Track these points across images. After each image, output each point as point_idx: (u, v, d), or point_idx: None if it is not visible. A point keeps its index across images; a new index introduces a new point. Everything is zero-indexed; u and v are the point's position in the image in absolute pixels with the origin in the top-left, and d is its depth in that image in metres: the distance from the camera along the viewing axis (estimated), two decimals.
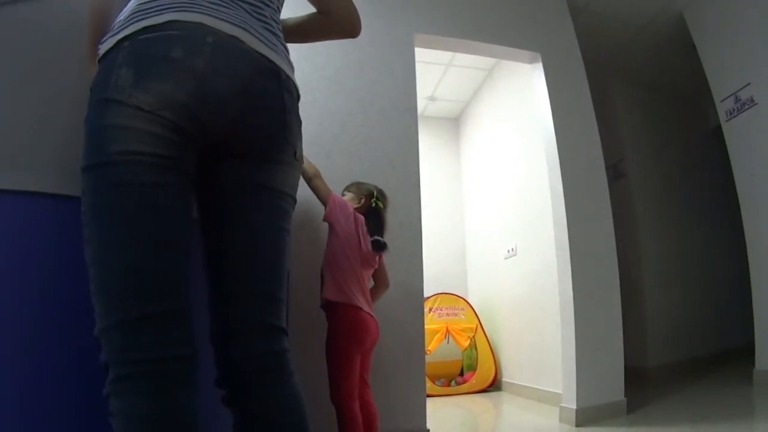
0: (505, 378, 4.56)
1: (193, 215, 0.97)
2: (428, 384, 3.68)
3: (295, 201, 1.11)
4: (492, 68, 4.97)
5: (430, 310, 4.56)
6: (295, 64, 1.15)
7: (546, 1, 3.65)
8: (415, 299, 2.78)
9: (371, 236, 2.16)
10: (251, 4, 1.04)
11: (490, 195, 5.04)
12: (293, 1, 1.53)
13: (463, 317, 4.68)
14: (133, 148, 0.85)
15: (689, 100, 5.35)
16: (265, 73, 0.99)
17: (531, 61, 3.55)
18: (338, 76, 2.93)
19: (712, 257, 5.07)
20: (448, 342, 4.53)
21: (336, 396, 1.97)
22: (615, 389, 3.04)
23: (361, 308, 2.06)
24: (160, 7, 0.91)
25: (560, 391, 3.13)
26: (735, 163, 3.65)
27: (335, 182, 2.37)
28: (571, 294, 3.02)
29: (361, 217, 2.20)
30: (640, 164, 4.88)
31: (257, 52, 0.98)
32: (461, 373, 4.67)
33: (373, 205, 2.28)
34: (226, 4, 0.98)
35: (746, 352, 3.73)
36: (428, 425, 2.66)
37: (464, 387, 4.45)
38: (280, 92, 1.02)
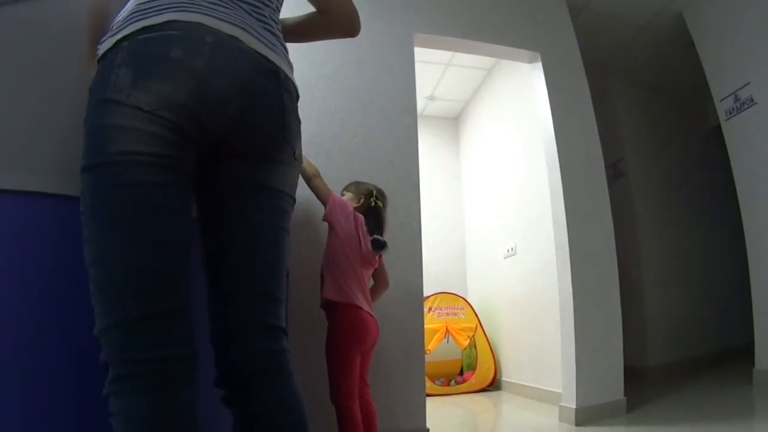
0: (505, 377, 4.56)
1: (192, 215, 0.97)
2: (428, 383, 3.68)
3: (294, 200, 1.11)
4: (491, 68, 4.97)
5: (430, 309, 4.57)
6: (294, 64, 1.15)
7: (545, 0, 3.65)
8: (415, 299, 2.78)
9: (371, 235, 2.16)
10: (250, 4, 1.04)
11: (489, 194, 5.04)
12: (293, 0, 1.53)
13: (463, 317, 4.68)
14: (132, 148, 0.85)
15: (689, 100, 5.35)
16: (265, 72, 0.99)
17: (530, 61, 3.55)
18: (338, 76, 2.93)
19: (711, 256, 5.07)
20: (447, 341, 4.53)
21: (336, 396, 1.97)
22: (614, 388, 3.04)
23: (361, 308, 2.06)
24: (159, 7, 0.91)
25: (560, 391, 3.13)
26: (734, 163, 3.65)
27: (335, 182, 2.37)
28: (571, 293, 3.02)
29: (361, 217, 2.20)
30: (639, 164, 4.88)
31: (256, 52, 0.98)
32: (461, 373, 4.67)
33: (373, 204, 2.28)
34: (225, 4, 0.98)
35: (746, 352, 3.73)
36: (428, 424, 2.66)
37: (464, 386, 4.46)
38: (279, 92, 1.02)
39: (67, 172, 1.00)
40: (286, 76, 1.05)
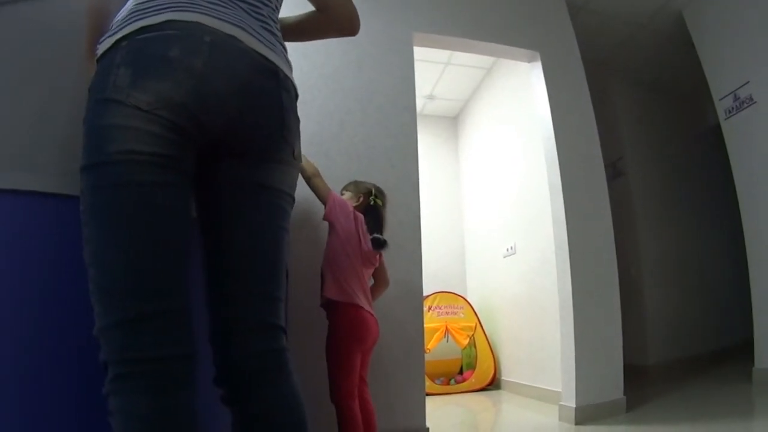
0: (505, 376, 4.56)
1: (192, 214, 0.97)
2: (427, 382, 3.69)
3: (293, 200, 1.11)
4: (491, 67, 4.97)
5: (430, 308, 4.57)
6: (293, 63, 1.15)
7: None
8: (415, 298, 2.78)
9: (371, 234, 2.16)
10: (249, 4, 1.04)
11: (489, 194, 5.04)
12: (292, 0, 1.53)
13: (463, 316, 4.69)
14: (132, 148, 0.85)
15: (688, 99, 5.35)
16: (263, 72, 0.99)
17: (530, 60, 3.55)
18: (337, 75, 2.93)
19: (711, 255, 5.08)
20: (447, 340, 4.53)
21: (336, 395, 1.97)
22: (614, 387, 3.04)
23: (362, 307, 2.06)
24: (158, 7, 0.91)
25: (559, 390, 3.14)
26: (734, 161, 3.66)
27: (334, 181, 2.37)
28: (570, 292, 3.02)
29: (361, 216, 2.20)
30: (639, 163, 4.88)
31: (255, 51, 0.98)
32: (460, 372, 4.67)
33: (372, 203, 2.28)
34: (224, 4, 0.98)
35: (745, 350, 3.73)
36: (428, 424, 2.66)
37: (463, 385, 4.46)
38: (278, 91, 1.02)
39: (67, 171, 1.00)
40: (285, 75, 1.05)
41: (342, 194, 2.31)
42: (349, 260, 2.09)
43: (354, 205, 2.24)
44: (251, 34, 0.98)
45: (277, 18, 1.15)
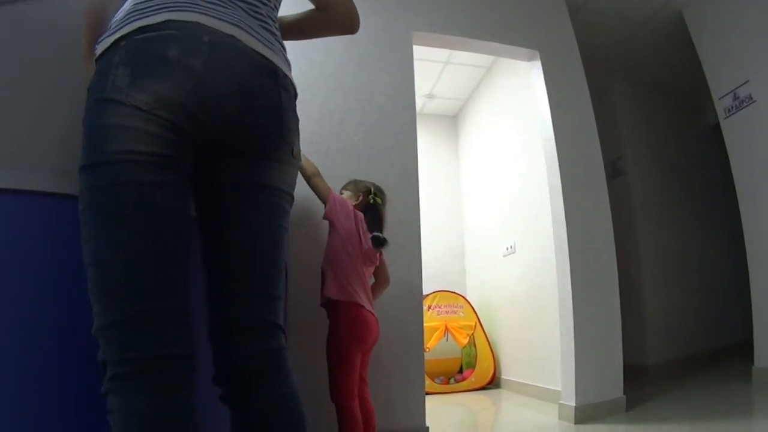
0: (504, 375, 4.56)
1: (191, 214, 0.97)
2: (427, 381, 3.69)
3: (292, 198, 1.11)
4: (490, 66, 4.97)
5: (429, 307, 4.57)
6: (293, 62, 1.15)
7: None
8: (414, 297, 2.78)
9: (371, 233, 2.16)
10: (248, 3, 1.04)
11: (488, 193, 5.04)
12: None
13: (462, 315, 4.69)
14: (131, 148, 0.85)
15: (688, 98, 5.35)
16: (262, 71, 0.99)
17: (529, 59, 3.55)
18: (337, 74, 2.93)
19: (711, 254, 5.08)
20: (447, 339, 4.54)
21: (336, 395, 1.97)
22: (614, 386, 3.04)
23: (362, 306, 2.06)
24: (157, 7, 0.91)
25: (559, 389, 3.14)
26: (733, 161, 3.66)
27: (334, 180, 2.37)
28: (570, 291, 3.02)
29: (361, 215, 2.20)
30: (638, 161, 4.88)
31: (254, 50, 0.98)
32: (460, 371, 4.67)
33: (371, 201, 2.28)
34: (223, 4, 0.98)
35: (745, 350, 3.74)
36: (427, 423, 2.66)
37: (463, 384, 4.46)
38: (277, 90, 1.02)
39: (66, 171, 1.00)
40: (284, 74, 1.05)
41: (341, 193, 2.31)
42: (349, 259, 2.09)
43: (353, 203, 2.24)
44: (250, 34, 0.98)
45: (276, 17, 1.15)
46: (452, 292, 4.86)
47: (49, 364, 1.05)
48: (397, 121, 2.98)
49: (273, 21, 1.11)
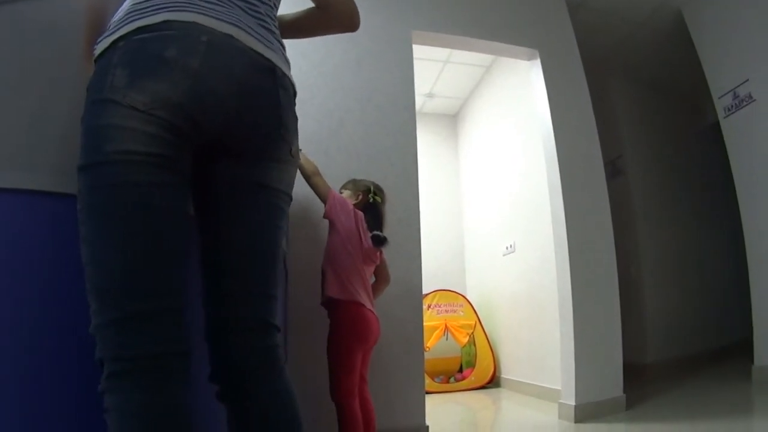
0: (504, 374, 4.57)
1: (190, 214, 0.97)
2: (427, 381, 3.69)
3: (290, 198, 1.12)
4: (490, 65, 4.97)
5: (429, 306, 4.57)
6: (292, 62, 1.15)
7: None
8: (414, 296, 2.79)
9: (370, 232, 2.16)
10: (247, 2, 1.04)
11: (488, 192, 5.04)
12: None
13: (462, 314, 4.69)
14: (128, 148, 0.85)
15: (687, 97, 5.35)
16: (260, 70, 0.99)
17: (529, 58, 3.55)
18: (336, 73, 2.93)
19: (710, 253, 5.08)
20: (447, 339, 4.54)
21: (336, 394, 1.97)
22: (614, 385, 3.05)
23: (363, 305, 2.06)
24: (155, 7, 0.91)
25: (559, 388, 3.14)
26: (733, 160, 3.65)
27: (333, 179, 2.37)
28: (570, 290, 3.02)
29: (361, 213, 2.20)
30: (638, 161, 4.88)
31: (252, 49, 0.98)
32: (460, 370, 4.68)
33: (371, 200, 2.28)
34: (221, 3, 0.98)
35: (745, 349, 3.74)
36: (427, 422, 2.66)
37: (463, 384, 4.46)
38: (275, 90, 1.02)
39: (67, 170, 1.00)
40: (283, 73, 1.04)
41: (341, 192, 2.31)
42: (350, 258, 2.09)
43: (353, 202, 2.24)
44: (248, 33, 0.98)
45: (274, 15, 1.15)
46: (452, 291, 4.86)
47: (49, 364, 1.05)
48: (396, 120, 2.98)
49: (272, 19, 1.11)
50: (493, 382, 4.58)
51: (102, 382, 0.83)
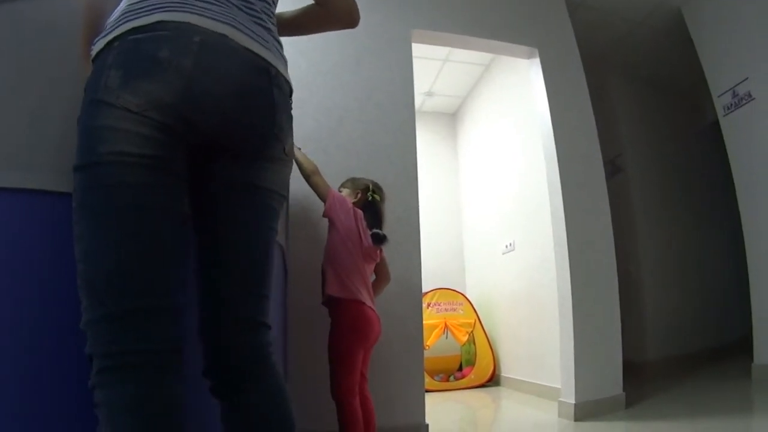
0: (504, 373, 4.57)
1: (185, 214, 0.97)
2: (427, 379, 3.69)
3: (284, 198, 1.13)
4: (489, 64, 4.97)
5: (429, 305, 4.57)
6: (291, 60, 1.14)
7: None
8: (414, 294, 2.79)
9: (370, 230, 2.16)
10: (242, 0, 1.04)
11: (487, 190, 5.04)
12: None
13: (462, 312, 4.69)
14: (122, 149, 0.85)
15: (687, 95, 5.35)
16: (255, 69, 0.99)
17: (528, 57, 3.55)
18: (335, 72, 2.93)
19: (710, 252, 5.08)
20: (446, 337, 4.54)
21: (337, 392, 1.97)
22: (613, 383, 3.05)
23: (364, 303, 2.06)
24: (150, 8, 0.91)
25: (559, 386, 3.14)
26: (733, 158, 3.65)
27: (333, 178, 2.37)
28: (569, 289, 3.02)
29: (360, 212, 2.20)
30: (637, 159, 4.87)
31: (246, 48, 0.97)
32: (460, 368, 4.69)
33: (370, 198, 2.28)
34: (216, 2, 0.98)
35: (745, 347, 3.74)
36: (427, 420, 2.67)
37: (463, 382, 4.47)
38: (270, 89, 1.01)
39: (66, 170, 1.00)
40: (278, 72, 1.04)
41: (340, 191, 2.31)
42: (350, 257, 2.09)
43: (352, 201, 2.24)
44: (243, 32, 0.98)
45: (271, 12, 1.14)
46: (452, 289, 4.86)
47: (49, 364, 1.05)
48: (396, 119, 2.98)
49: (269, 16, 1.11)
50: (493, 380, 4.58)
51: (92, 378, 0.83)
